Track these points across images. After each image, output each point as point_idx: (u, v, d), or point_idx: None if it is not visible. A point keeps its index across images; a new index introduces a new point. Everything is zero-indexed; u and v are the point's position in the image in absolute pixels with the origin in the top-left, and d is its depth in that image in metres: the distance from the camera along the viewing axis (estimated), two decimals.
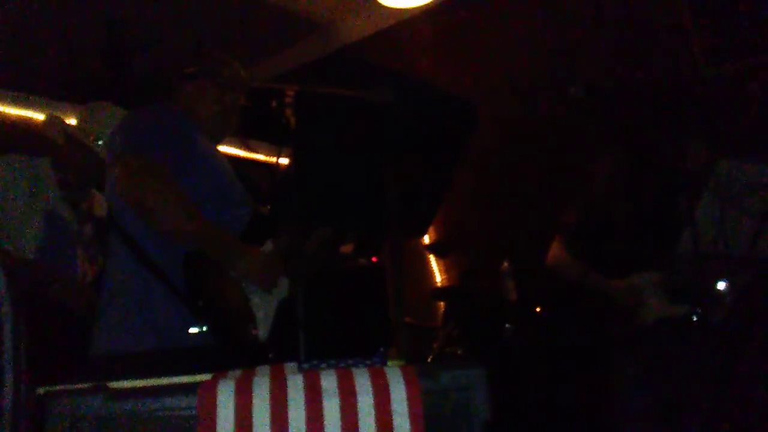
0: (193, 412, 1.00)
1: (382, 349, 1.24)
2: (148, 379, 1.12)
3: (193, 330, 1.85)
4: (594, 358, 3.10)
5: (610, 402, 2.91)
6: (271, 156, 4.33)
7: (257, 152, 4.22)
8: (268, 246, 2.09)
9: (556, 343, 3.60)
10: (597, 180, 3.19)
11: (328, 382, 1.04)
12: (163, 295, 1.92)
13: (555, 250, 3.15)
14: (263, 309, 2.00)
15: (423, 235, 4.51)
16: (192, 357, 1.82)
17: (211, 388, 1.01)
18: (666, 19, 3.94)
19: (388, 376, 1.05)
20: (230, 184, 2.16)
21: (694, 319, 2.76)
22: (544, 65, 4.14)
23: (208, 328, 1.83)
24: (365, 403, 1.01)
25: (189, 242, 1.92)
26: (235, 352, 1.88)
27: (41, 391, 1.02)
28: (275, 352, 1.95)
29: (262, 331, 1.96)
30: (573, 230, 3.13)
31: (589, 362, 3.17)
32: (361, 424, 1.00)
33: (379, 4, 4.40)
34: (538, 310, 3.76)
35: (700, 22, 3.88)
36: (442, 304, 4.56)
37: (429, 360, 3.75)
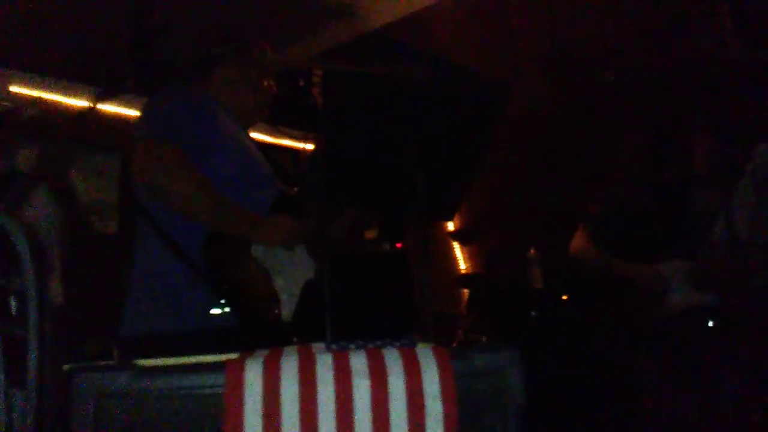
0: (221, 390, 0.97)
1: (407, 336, 1.20)
2: (175, 358, 1.11)
3: (215, 311, 1.83)
4: (620, 347, 3.05)
5: (637, 393, 2.87)
6: (297, 141, 4.32)
7: (283, 137, 4.21)
8: None
9: (581, 332, 3.55)
10: (619, 167, 3.15)
11: (358, 361, 1.01)
12: (188, 277, 1.91)
13: (578, 239, 3.12)
14: (287, 290, 1.97)
15: (451, 218, 4.47)
16: (216, 338, 1.80)
17: (238, 366, 0.99)
18: (700, 4, 3.85)
19: (419, 357, 1.02)
20: (255, 166, 2.14)
21: (722, 309, 2.72)
22: (575, 49, 4.06)
23: (231, 310, 1.82)
24: (397, 384, 0.98)
25: (207, 221, 1.91)
26: (259, 333, 1.87)
27: (66, 367, 1.00)
28: (299, 335, 1.93)
29: (285, 313, 1.94)
30: (596, 219, 3.10)
31: (615, 351, 3.13)
32: (392, 405, 0.97)
33: None
34: (564, 298, 3.71)
35: (734, 6, 3.78)
36: (466, 291, 4.52)
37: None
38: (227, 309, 1.83)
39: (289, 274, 2.00)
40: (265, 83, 2.26)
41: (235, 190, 2.00)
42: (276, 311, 1.91)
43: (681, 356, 2.76)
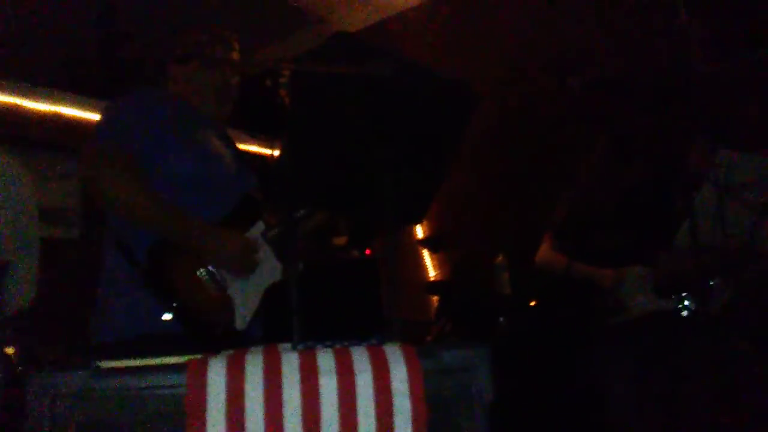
0: (182, 390, 0.94)
1: (375, 337, 1.19)
2: (138, 360, 1.07)
3: (167, 316, 1.80)
4: (583, 351, 3.08)
5: (601, 395, 2.90)
6: (264, 147, 4.28)
7: (250, 143, 4.17)
8: (259, 227, 2.03)
9: (546, 336, 3.58)
10: (582, 173, 3.19)
11: (325, 360, 0.99)
12: (140, 283, 1.87)
13: (543, 247, 3.16)
14: (241, 296, 1.93)
15: (419, 223, 4.47)
16: (170, 343, 1.77)
17: (201, 366, 0.96)
18: (664, 15, 3.92)
19: (387, 355, 1.00)
20: (215, 166, 2.09)
21: (684, 313, 2.76)
22: (541, 57, 4.10)
23: (174, 317, 1.79)
24: (364, 382, 0.96)
25: (150, 228, 1.89)
26: (205, 341, 1.82)
27: (20, 368, 0.97)
28: (266, 339, 1.90)
29: (240, 320, 1.91)
30: (560, 224, 3.13)
31: (578, 354, 3.15)
32: (359, 403, 0.95)
33: None
34: (532, 303, 3.73)
35: (697, 18, 3.86)
36: (435, 298, 4.52)
37: None
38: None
39: (246, 282, 1.96)
40: (231, 81, 2.23)
41: (190, 191, 1.97)
42: (225, 319, 1.87)
43: (642, 360, 2.79)
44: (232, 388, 0.94)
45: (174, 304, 1.80)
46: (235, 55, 2.27)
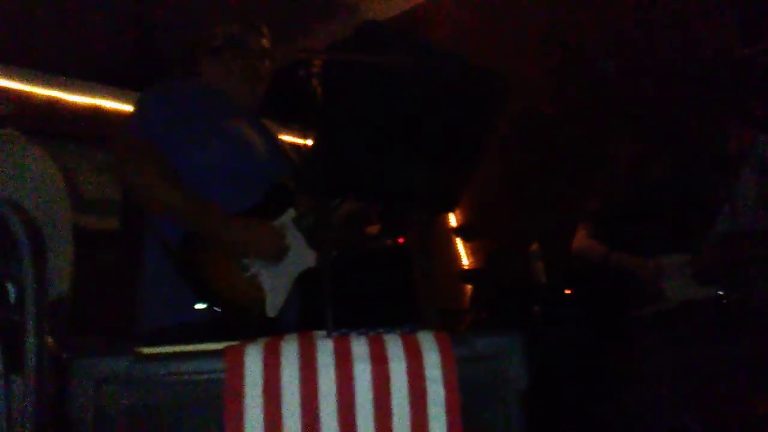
0: (221, 375, 0.96)
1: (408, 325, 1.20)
2: (177, 346, 1.10)
3: (200, 306, 1.83)
4: (620, 339, 3.06)
5: (636, 384, 2.88)
6: (298, 137, 4.30)
7: (284, 133, 4.19)
8: (290, 215, 2.04)
9: (582, 324, 3.56)
10: (617, 161, 3.16)
11: (359, 347, 1.00)
12: (175, 274, 1.91)
13: (579, 236, 3.14)
14: (271, 284, 1.94)
15: (452, 211, 4.45)
16: (203, 332, 1.79)
17: (238, 352, 0.98)
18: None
19: (420, 342, 1.01)
20: (247, 155, 2.10)
21: (723, 301, 2.72)
22: (576, 43, 4.05)
23: (208, 307, 1.82)
24: (398, 369, 0.98)
25: (178, 220, 1.92)
26: (238, 330, 1.85)
27: (65, 355, 1.00)
28: (301, 325, 1.92)
29: (271, 307, 1.92)
30: (596, 213, 3.11)
31: (615, 342, 3.13)
32: (393, 390, 0.96)
33: None
34: (567, 292, 3.70)
35: (734, 2, 3.77)
36: (469, 286, 4.51)
37: None
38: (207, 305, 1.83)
39: (277, 270, 1.97)
40: (263, 70, 2.25)
41: (221, 181, 2.00)
42: (258, 307, 1.90)
43: (680, 350, 2.76)
44: (269, 374, 0.96)
45: (206, 293, 1.83)
46: (266, 43, 2.28)
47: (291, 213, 2.05)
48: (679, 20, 3.82)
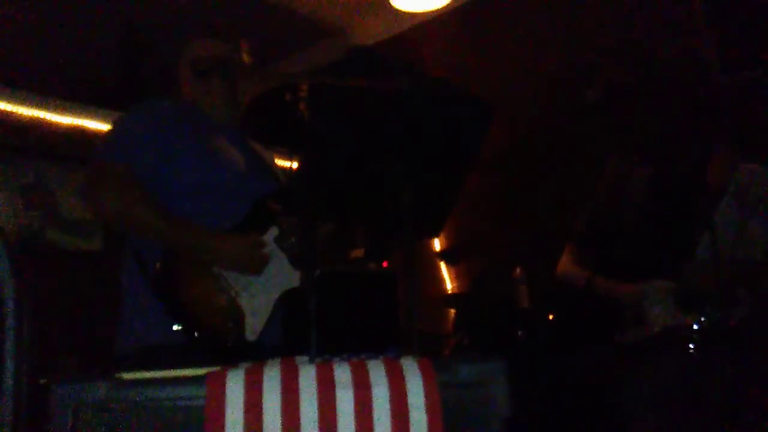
0: (201, 402, 0.95)
1: (391, 350, 1.19)
2: (155, 371, 1.09)
3: (176, 327, 1.80)
4: (602, 367, 3.06)
5: (621, 413, 2.87)
6: (283, 159, 4.30)
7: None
8: (273, 232, 2.02)
9: (564, 351, 3.56)
10: (600, 185, 3.18)
11: (342, 373, 0.99)
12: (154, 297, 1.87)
13: (564, 259, 3.14)
14: (251, 305, 1.91)
15: (437, 236, 4.46)
16: (180, 354, 1.76)
17: (220, 378, 0.97)
18: (681, 27, 3.91)
19: (404, 368, 1.01)
20: (228, 173, 2.09)
21: (705, 328, 2.73)
22: (560, 69, 4.10)
23: (182, 328, 1.79)
24: (381, 395, 0.97)
25: (152, 238, 1.90)
26: (214, 352, 1.82)
27: (43, 380, 0.98)
28: (281, 348, 1.89)
29: (250, 330, 1.89)
30: (580, 237, 3.12)
31: (597, 371, 3.13)
32: (376, 416, 0.96)
33: (393, 8, 4.39)
34: (551, 317, 3.71)
35: (715, 30, 3.84)
36: (452, 311, 4.51)
37: None
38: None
39: (257, 291, 1.95)
40: (244, 86, 2.26)
41: (201, 199, 1.98)
42: (236, 330, 1.86)
43: (663, 375, 2.76)
44: (250, 401, 0.95)
45: (183, 315, 1.80)
46: (247, 59, 2.26)
47: (273, 231, 2.02)
48: (660, 45, 3.88)
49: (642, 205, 2.98)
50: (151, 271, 1.86)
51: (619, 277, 2.89)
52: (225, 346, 1.85)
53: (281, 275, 1.99)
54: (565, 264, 3.13)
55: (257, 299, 1.93)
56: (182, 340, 1.79)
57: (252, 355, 1.84)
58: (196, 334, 1.79)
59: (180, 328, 1.79)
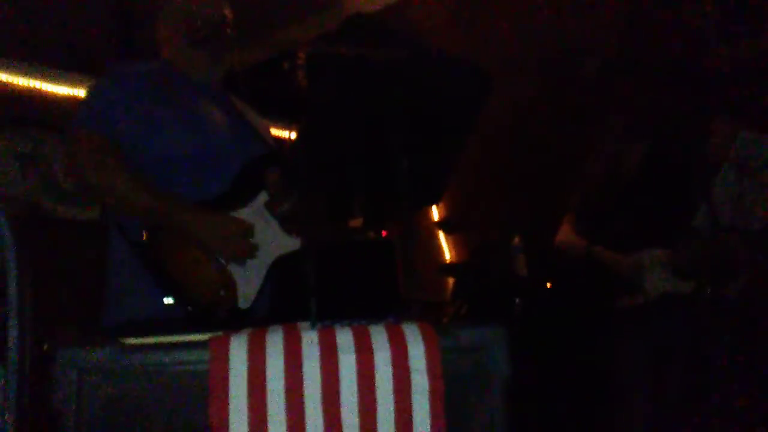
0: (205, 366, 0.96)
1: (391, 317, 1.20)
2: (160, 337, 1.09)
3: (168, 300, 1.75)
4: (599, 333, 3.10)
5: (615, 379, 2.91)
6: (282, 129, 4.29)
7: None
8: (262, 199, 1.96)
9: (562, 317, 3.59)
10: (597, 156, 3.18)
11: (344, 338, 1.00)
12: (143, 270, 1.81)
13: (563, 228, 3.16)
14: (243, 274, 1.86)
15: (435, 204, 4.46)
16: (174, 328, 1.73)
17: (223, 342, 0.98)
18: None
19: (405, 333, 1.02)
20: (211, 137, 1.99)
21: (703, 295, 2.75)
22: (559, 39, 4.07)
23: (174, 301, 1.74)
24: (382, 359, 0.98)
25: (135, 214, 1.83)
26: (209, 323, 1.76)
27: (46, 346, 0.99)
28: (273, 316, 1.86)
29: (243, 299, 1.84)
30: (578, 207, 3.13)
31: (593, 337, 3.17)
32: (378, 380, 0.97)
33: None
34: (548, 285, 3.73)
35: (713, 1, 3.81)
36: (451, 279, 4.53)
37: None
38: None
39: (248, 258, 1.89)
40: (228, 42, 2.09)
41: (184, 166, 1.90)
42: (228, 299, 1.82)
43: (658, 344, 2.80)
44: (254, 364, 0.96)
45: (172, 287, 1.75)
46: (229, 13, 2.13)
47: (263, 197, 1.96)
48: (658, 17, 3.85)
49: (637, 178, 2.99)
50: (137, 242, 1.80)
51: (617, 247, 2.91)
52: (218, 316, 1.80)
53: (273, 241, 1.94)
54: (565, 233, 3.15)
55: (249, 267, 1.87)
56: (173, 314, 1.74)
57: (246, 324, 1.83)
58: (189, 307, 1.74)
59: (171, 301, 1.74)
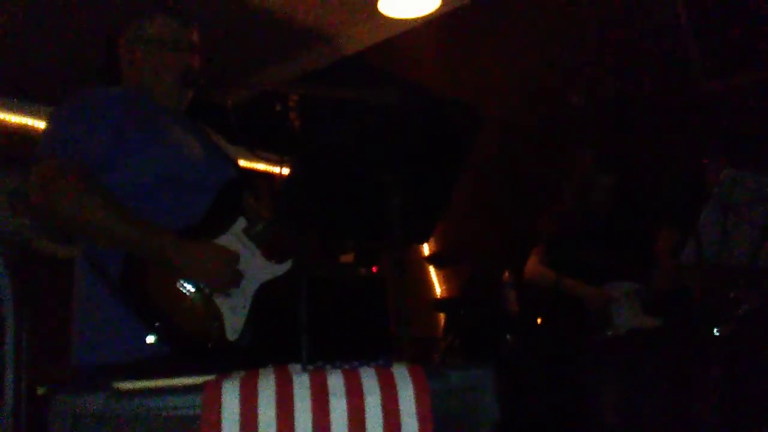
0: (198, 411, 0.97)
1: (383, 358, 1.21)
2: (153, 381, 1.10)
3: (150, 339, 1.67)
4: (572, 368, 3.10)
5: (589, 410, 2.92)
6: (273, 165, 4.31)
7: (259, 161, 4.21)
8: (240, 224, 1.91)
9: (543, 351, 3.60)
10: (568, 188, 3.21)
11: (335, 381, 1.02)
12: (117, 304, 1.72)
13: (530, 261, 3.18)
14: (229, 303, 1.79)
15: (425, 241, 4.48)
16: (156, 367, 1.57)
17: (215, 387, 0.99)
18: (666, 35, 3.96)
19: (395, 375, 1.03)
20: (184, 161, 1.91)
21: (668, 329, 2.78)
22: (545, 75, 4.15)
23: (160, 338, 1.66)
24: (373, 402, 1.00)
25: (116, 246, 1.73)
26: (198, 357, 1.73)
27: (41, 390, 1.00)
28: (265, 349, 1.83)
29: (231, 330, 1.78)
30: (548, 239, 3.16)
31: (568, 372, 3.17)
32: (368, 424, 0.98)
33: (381, 14, 4.43)
34: (539, 321, 3.74)
35: (699, 37, 3.89)
36: (442, 315, 4.54)
37: None
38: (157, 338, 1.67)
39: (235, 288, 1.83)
40: (195, 67, 2.04)
41: (159, 192, 1.83)
42: (215, 331, 1.74)
43: (626, 374, 2.81)
44: (246, 410, 0.98)
45: (157, 324, 1.66)
46: (196, 38, 2.08)
47: (242, 222, 1.91)
48: (645, 53, 3.93)
49: (605, 210, 3.03)
50: (114, 275, 1.70)
51: (585, 278, 2.93)
52: (205, 349, 1.73)
53: (255, 268, 1.89)
54: (532, 265, 3.16)
55: (234, 296, 1.80)
56: (159, 352, 1.66)
57: (235, 357, 1.80)
58: (173, 342, 1.67)
59: (154, 339, 1.66)
